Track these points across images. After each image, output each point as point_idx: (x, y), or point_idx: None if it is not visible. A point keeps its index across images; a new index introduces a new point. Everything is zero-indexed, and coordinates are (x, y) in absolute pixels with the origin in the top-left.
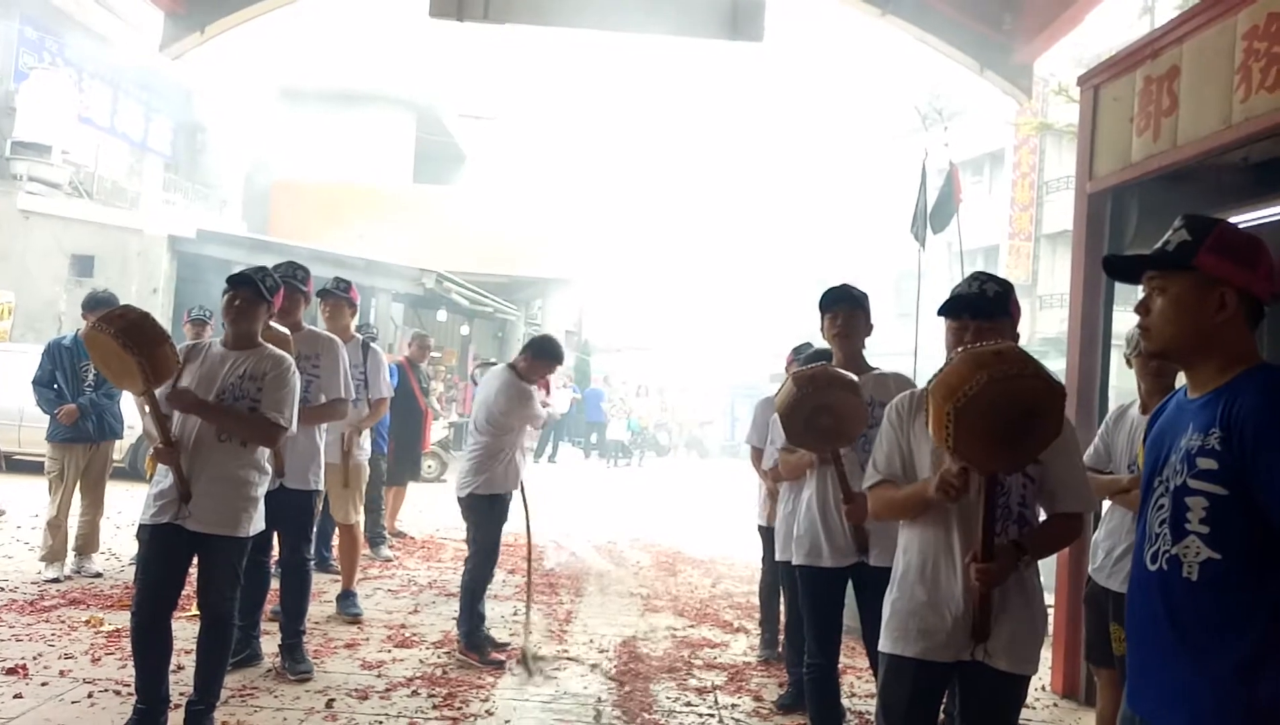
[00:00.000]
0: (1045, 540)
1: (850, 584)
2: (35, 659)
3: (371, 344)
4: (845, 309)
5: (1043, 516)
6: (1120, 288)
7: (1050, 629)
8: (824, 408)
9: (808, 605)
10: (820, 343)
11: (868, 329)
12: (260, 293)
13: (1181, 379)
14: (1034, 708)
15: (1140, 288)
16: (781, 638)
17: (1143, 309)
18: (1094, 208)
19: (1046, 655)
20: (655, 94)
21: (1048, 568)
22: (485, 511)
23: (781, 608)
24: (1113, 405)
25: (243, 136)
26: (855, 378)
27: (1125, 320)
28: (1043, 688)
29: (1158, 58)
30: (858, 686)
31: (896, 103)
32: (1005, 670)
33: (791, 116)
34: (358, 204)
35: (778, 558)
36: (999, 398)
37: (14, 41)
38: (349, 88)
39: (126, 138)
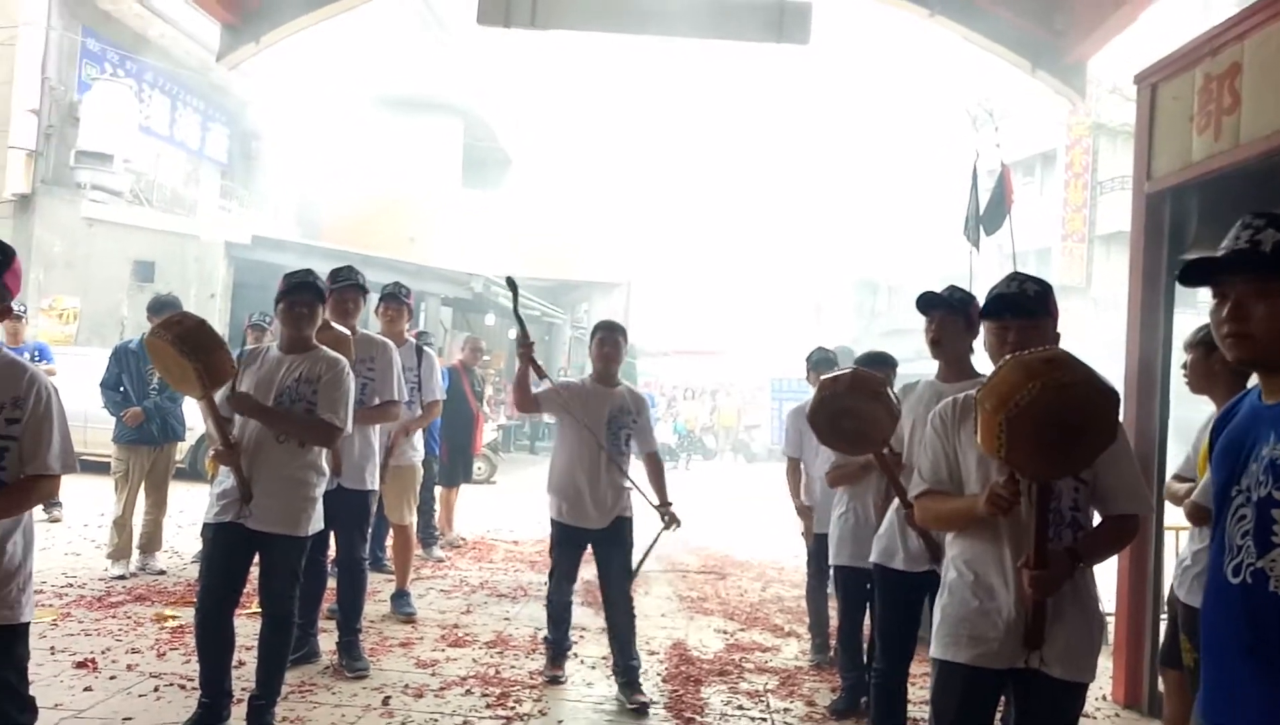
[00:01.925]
0: (1100, 544)
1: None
2: (104, 653)
3: (426, 348)
4: (941, 313)
5: (1097, 520)
6: (1182, 289)
7: (1111, 638)
8: (846, 412)
9: (880, 606)
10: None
11: (970, 335)
12: (322, 296)
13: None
14: (1094, 718)
15: (1207, 291)
16: (834, 642)
17: (1239, 315)
18: (1152, 208)
19: (1107, 665)
20: (702, 98)
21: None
22: None
23: (832, 612)
24: (1173, 408)
25: (295, 144)
26: (881, 384)
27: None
28: (1104, 697)
29: (1217, 55)
30: (911, 693)
31: (946, 104)
32: (1061, 678)
33: (840, 119)
34: (407, 209)
35: (831, 562)
36: (1052, 406)
37: (77, 53)
38: (398, 95)
39: (184, 146)
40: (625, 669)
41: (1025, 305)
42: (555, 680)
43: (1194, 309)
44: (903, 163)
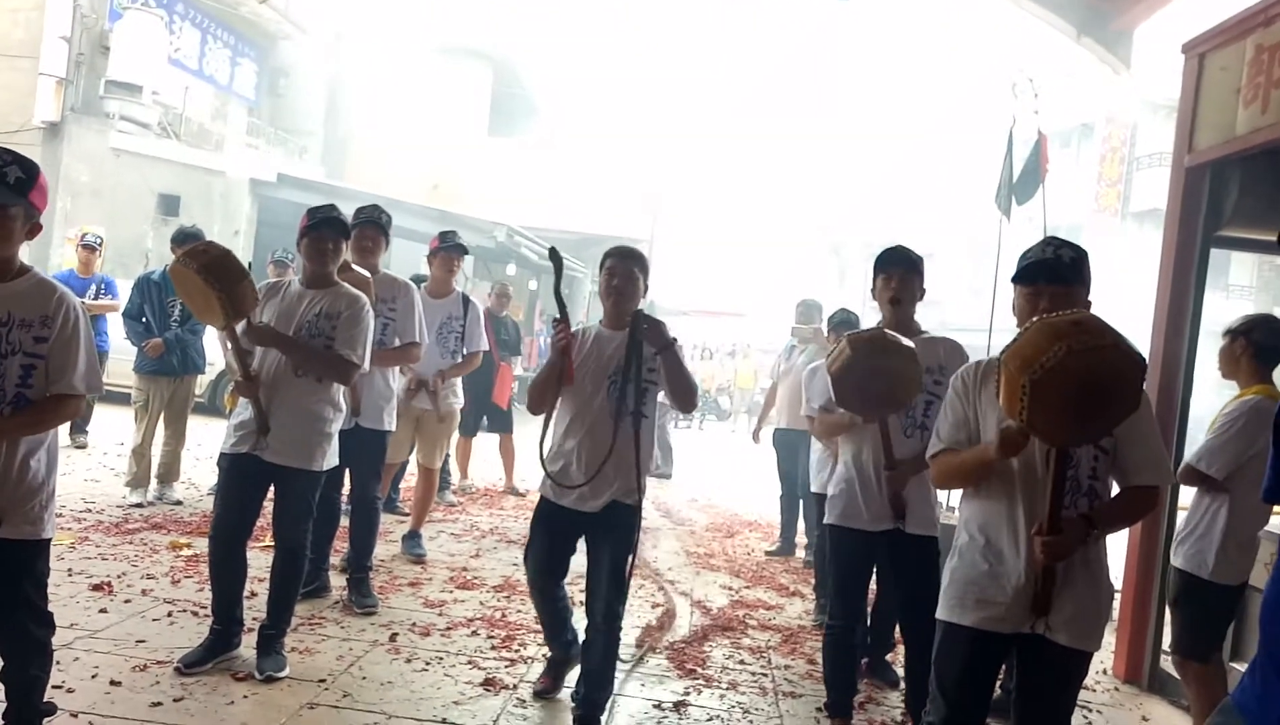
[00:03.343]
0: (1116, 514)
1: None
2: (119, 578)
3: (472, 298)
4: (901, 271)
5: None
6: (1212, 270)
7: (1116, 612)
8: (879, 372)
9: (837, 565)
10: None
11: (920, 293)
12: (345, 232)
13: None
14: (1094, 690)
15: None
16: (822, 600)
17: None
18: (1191, 182)
19: (1110, 640)
20: (734, 56)
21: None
22: None
23: None
24: (1196, 388)
25: (323, 84)
26: (913, 344)
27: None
28: (1104, 671)
29: (1271, 25)
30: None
31: (986, 70)
32: (1066, 645)
33: (875, 81)
34: (432, 154)
35: (825, 521)
36: (1077, 370)
37: None
38: (427, 38)
39: (213, 81)
40: (586, 701)
41: (1059, 271)
42: (543, 694)
43: (1223, 291)
44: (937, 127)
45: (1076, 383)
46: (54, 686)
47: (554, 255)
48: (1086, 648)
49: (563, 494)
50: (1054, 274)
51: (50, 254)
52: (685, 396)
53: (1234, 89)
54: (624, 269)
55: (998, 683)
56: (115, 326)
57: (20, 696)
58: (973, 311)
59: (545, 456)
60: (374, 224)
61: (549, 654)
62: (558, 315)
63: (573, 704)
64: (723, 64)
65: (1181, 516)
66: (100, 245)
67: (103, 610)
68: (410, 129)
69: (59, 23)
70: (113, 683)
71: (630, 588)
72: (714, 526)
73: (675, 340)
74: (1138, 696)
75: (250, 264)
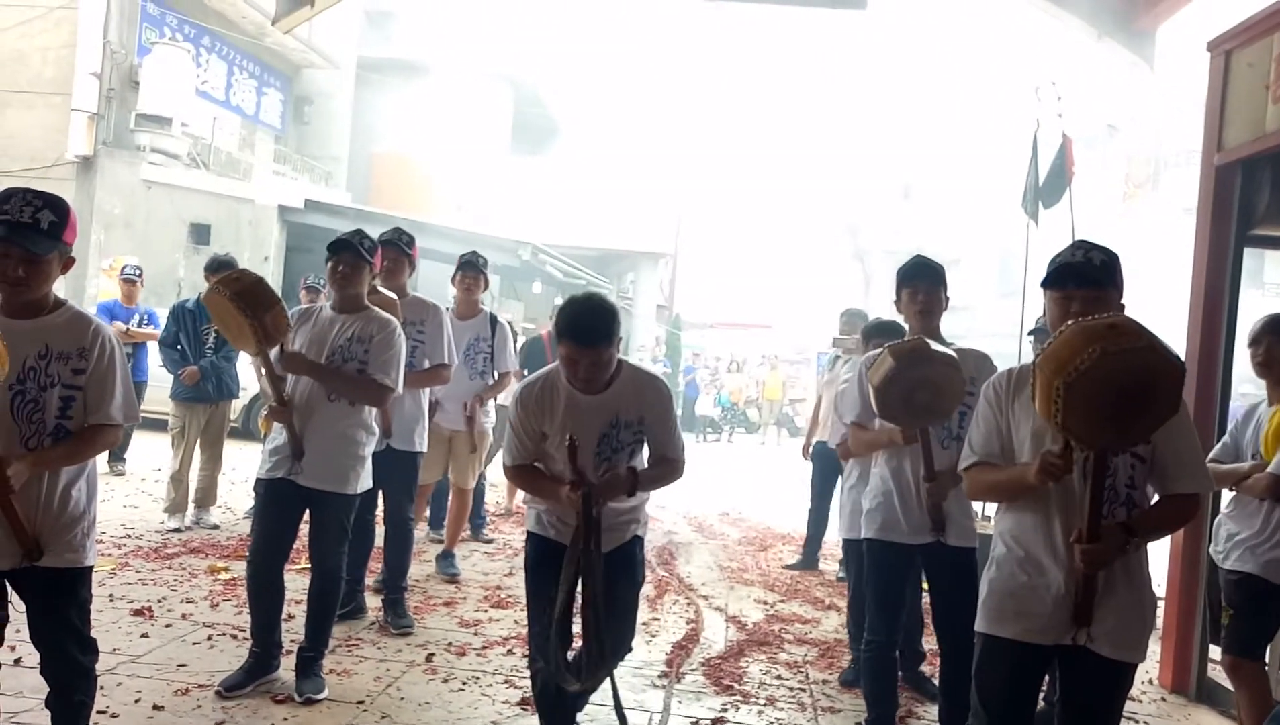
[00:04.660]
0: (1156, 522)
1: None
2: (159, 602)
3: (499, 318)
4: (927, 283)
5: (1154, 499)
6: (1250, 265)
7: (1161, 621)
8: (923, 383)
9: (875, 580)
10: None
11: (945, 303)
12: (360, 255)
13: None
14: (1140, 700)
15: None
16: (846, 613)
17: None
18: (1221, 181)
19: (1155, 649)
20: (753, 66)
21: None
22: None
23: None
24: (1235, 390)
25: (346, 111)
26: (954, 352)
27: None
28: (1150, 681)
29: None
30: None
31: (1008, 74)
32: (1109, 657)
33: (897, 88)
34: (456, 175)
35: (842, 535)
36: (1113, 372)
37: (137, 17)
38: (448, 61)
39: (240, 111)
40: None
41: (1090, 275)
42: None
43: (1259, 288)
44: (960, 133)
45: (1112, 385)
46: (99, 712)
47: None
48: (1130, 659)
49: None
50: (1084, 278)
51: (86, 285)
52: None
53: (1263, 85)
54: (591, 358)
55: (1040, 694)
56: (155, 355)
57: (66, 723)
58: (1002, 317)
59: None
60: (393, 245)
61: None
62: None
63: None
64: (743, 74)
65: (1215, 520)
66: (139, 276)
67: (144, 635)
68: (433, 151)
69: (89, 59)
70: (156, 707)
71: (665, 603)
72: (746, 540)
73: (634, 475)
74: (1186, 706)
75: (281, 289)
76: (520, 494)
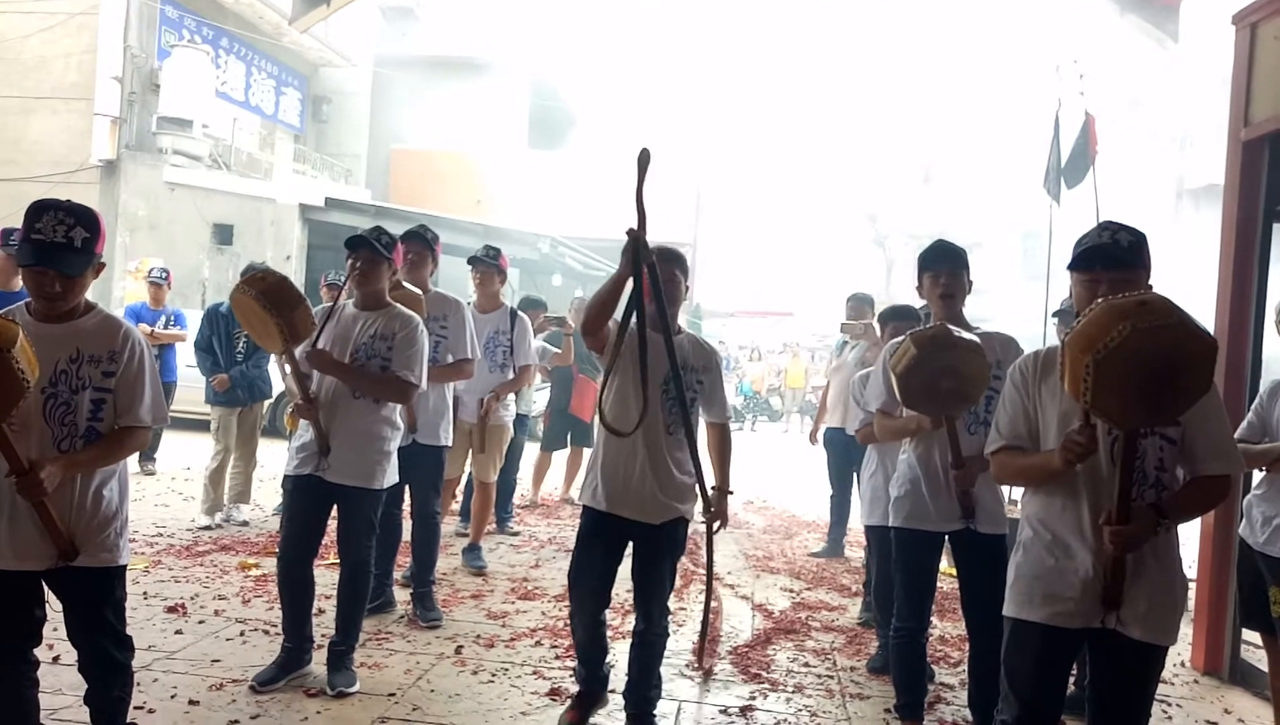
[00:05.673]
0: (1187, 503)
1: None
2: (192, 599)
3: (519, 312)
4: (949, 268)
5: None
6: (1276, 245)
7: (1192, 603)
8: (947, 370)
9: (904, 568)
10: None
11: (969, 286)
12: (378, 252)
13: None
14: (1172, 683)
15: None
16: (869, 599)
17: None
18: (1249, 156)
19: (1187, 631)
20: (771, 51)
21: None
22: None
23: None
24: (1265, 371)
25: (364, 108)
26: (976, 338)
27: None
28: (1182, 663)
29: None
30: (951, 655)
31: (1029, 51)
32: (1140, 640)
33: (917, 67)
34: (474, 170)
35: (863, 521)
36: (1143, 349)
37: (156, 20)
38: (464, 56)
39: (259, 111)
40: (638, 700)
41: (1118, 256)
42: None
43: None
44: (981, 114)
45: (1142, 362)
46: (135, 708)
47: (643, 157)
48: (1161, 641)
49: (620, 504)
50: (1112, 259)
51: (112, 288)
52: None
53: None
54: (667, 272)
55: (1071, 678)
56: (183, 355)
57: (105, 719)
58: (1026, 300)
59: (599, 465)
60: (419, 238)
61: (579, 688)
62: (636, 225)
63: (625, 703)
64: (761, 61)
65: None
66: (166, 278)
67: (178, 632)
68: (451, 145)
69: (110, 64)
70: (191, 702)
71: (691, 593)
72: (771, 528)
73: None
74: (1219, 688)
75: (304, 287)
76: (544, 487)
